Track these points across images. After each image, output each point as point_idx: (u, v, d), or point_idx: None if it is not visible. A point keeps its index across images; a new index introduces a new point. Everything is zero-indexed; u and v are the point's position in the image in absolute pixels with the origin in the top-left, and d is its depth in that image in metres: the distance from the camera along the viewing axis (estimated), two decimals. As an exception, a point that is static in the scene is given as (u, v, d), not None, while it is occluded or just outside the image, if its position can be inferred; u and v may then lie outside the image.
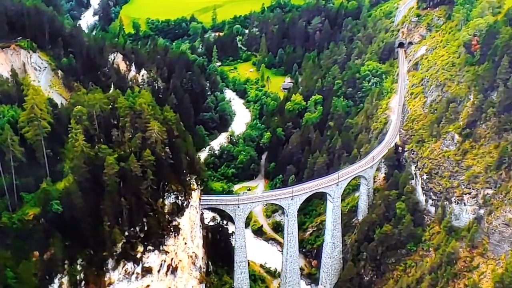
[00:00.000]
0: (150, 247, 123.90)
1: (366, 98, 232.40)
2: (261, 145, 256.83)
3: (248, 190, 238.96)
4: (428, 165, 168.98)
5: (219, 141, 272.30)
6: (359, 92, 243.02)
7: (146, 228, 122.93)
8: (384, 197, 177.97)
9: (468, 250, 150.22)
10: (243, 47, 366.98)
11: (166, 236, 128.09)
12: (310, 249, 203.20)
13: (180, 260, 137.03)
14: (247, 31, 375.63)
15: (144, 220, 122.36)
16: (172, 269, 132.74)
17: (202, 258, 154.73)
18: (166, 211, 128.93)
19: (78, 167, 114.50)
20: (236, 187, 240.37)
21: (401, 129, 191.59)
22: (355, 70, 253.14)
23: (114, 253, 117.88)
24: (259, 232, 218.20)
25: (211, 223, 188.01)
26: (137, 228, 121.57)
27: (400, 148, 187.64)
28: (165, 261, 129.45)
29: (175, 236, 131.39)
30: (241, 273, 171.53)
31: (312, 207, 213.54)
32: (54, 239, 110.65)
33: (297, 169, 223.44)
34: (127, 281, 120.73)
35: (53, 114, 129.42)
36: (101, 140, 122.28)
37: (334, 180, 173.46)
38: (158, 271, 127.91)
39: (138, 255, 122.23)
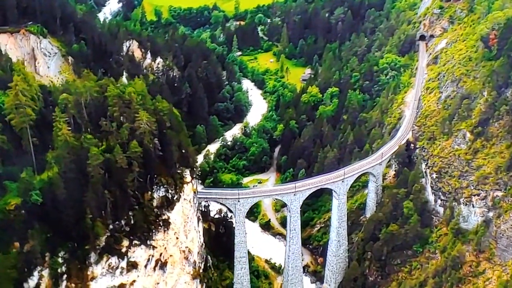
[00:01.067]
0: (136, 242, 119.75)
1: (382, 92, 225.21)
2: (274, 137, 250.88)
3: (258, 183, 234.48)
4: (438, 164, 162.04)
5: (233, 132, 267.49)
6: (375, 86, 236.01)
7: (132, 222, 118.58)
8: (392, 195, 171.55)
9: (474, 255, 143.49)
10: (264, 37, 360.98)
11: (154, 231, 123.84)
12: (317, 246, 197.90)
13: (171, 255, 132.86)
14: (269, 20, 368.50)
15: (130, 213, 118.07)
16: (161, 264, 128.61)
17: (199, 252, 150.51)
18: (154, 204, 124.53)
19: (62, 157, 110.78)
20: (246, 180, 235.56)
21: (414, 125, 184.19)
22: (374, 63, 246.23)
23: (97, 247, 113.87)
24: (266, 226, 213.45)
25: (217, 216, 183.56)
26: (123, 222, 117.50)
27: (412, 145, 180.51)
28: (153, 256, 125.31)
29: (164, 231, 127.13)
30: (241, 268, 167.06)
31: (321, 203, 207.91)
32: (33, 231, 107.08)
33: (308, 163, 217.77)
34: (110, 275, 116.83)
35: (44, 101, 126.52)
36: (89, 129, 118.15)
37: (340, 176, 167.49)
38: (145, 266, 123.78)
39: (123, 250, 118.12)
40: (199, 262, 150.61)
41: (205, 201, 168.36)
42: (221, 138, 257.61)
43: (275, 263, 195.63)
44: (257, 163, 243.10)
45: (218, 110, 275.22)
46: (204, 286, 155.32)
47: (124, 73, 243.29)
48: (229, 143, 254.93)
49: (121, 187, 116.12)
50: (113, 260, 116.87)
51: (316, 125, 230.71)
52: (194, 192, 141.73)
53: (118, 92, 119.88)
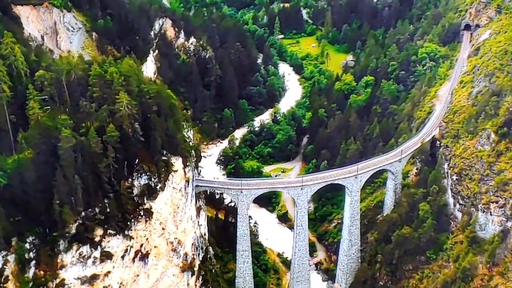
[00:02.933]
0: (111, 231, 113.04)
1: (417, 84, 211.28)
2: (304, 125, 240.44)
3: (282, 172, 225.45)
4: (459, 165, 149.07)
5: (263, 118, 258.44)
6: (411, 76, 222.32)
7: (107, 210, 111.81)
8: (409, 195, 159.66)
9: (487, 267, 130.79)
10: (309, 20, 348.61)
11: (133, 220, 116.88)
12: (332, 243, 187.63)
13: (155, 246, 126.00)
14: (315, 3, 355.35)
15: (106, 201, 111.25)
16: (142, 256, 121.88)
17: (193, 244, 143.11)
18: (135, 193, 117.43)
19: (33, 137, 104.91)
20: (269, 168, 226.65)
21: (442, 121, 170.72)
22: (413, 52, 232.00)
23: (67, 234, 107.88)
24: (284, 218, 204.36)
25: (232, 204, 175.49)
26: (97, 210, 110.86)
27: (438, 143, 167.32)
28: (131, 247, 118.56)
29: (146, 221, 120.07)
30: (244, 262, 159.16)
31: (341, 197, 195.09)
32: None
33: (331, 155, 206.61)
34: (81, 265, 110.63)
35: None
36: (67, 109, 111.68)
37: (352, 172, 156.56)
38: (122, 257, 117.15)
39: (97, 239, 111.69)
40: (193, 254, 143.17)
41: (212, 191, 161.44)
42: (248, 123, 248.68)
43: (287, 257, 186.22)
44: (282, 151, 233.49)
45: (249, 94, 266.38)
46: (200, 279, 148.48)
47: (152, 51, 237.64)
48: (256, 128, 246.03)
49: (95, 173, 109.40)
50: (85, 249, 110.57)
51: (345, 115, 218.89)
52: (187, 181, 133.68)
53: (100, 71, 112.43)
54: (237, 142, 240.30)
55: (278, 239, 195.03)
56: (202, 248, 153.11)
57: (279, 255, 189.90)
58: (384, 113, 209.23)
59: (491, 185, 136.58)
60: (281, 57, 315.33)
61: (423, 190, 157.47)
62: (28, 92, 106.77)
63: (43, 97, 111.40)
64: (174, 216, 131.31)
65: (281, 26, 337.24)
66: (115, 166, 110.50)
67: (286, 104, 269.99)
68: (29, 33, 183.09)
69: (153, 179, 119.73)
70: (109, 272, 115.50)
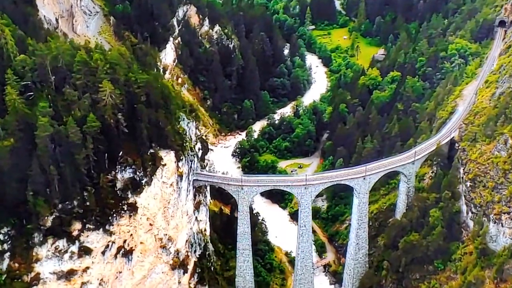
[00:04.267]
0: (90, 226, 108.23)
1: (443, 82, 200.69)
2: (324, 120, 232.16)
3: (299, 167, 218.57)
4: (474, 170, 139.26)
5: (285, 111, 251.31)
6: (438, 74, 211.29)
7: (87, 204, 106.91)
8: (421, 199, 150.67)
9: (494, 283, 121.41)
10: (342, 11, 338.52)
11: (115, 215, 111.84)
12: (341, 245, 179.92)
13: (141, 243, 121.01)
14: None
15: (85, 194, 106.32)
16: (125, 252, 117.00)
17: (187, 240, 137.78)
18: (118, 186, 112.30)
19: (10, 124, 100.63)
20: (285, 163, 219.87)
21: (462, 123, 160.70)
22: (443, 48, 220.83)
23: (42, 227, 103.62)
24: (296, 216, 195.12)
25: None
26: (75, 202, 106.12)
27: (456, 145, 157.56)
28: (113, 242, 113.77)
29: (130, 216, 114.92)
30: (244, 261, 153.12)
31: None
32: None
33: (348, 152, 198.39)
34: (58, 259, 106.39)
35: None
36: (49, 96, 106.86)
37: (360, 173, 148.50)
38: (103, 253, 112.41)
39: (74, 233, 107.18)
40: (187, 251, 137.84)
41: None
42: (269, 115, 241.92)
43: (294, 257, 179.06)
44: (300, 146, 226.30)
45: (272, 86, 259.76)
46: (195, 277, 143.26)
47: (172, 39, 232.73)
48: (276, 121, 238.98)
49: (73, 164, 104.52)
50: (61, 243, 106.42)
51: (365, 111, 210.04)
52: (180, 176, 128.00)
53: (84, 58, 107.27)
54: (255, 135, 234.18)
55: (287, 238, 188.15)
56: (199, 245, 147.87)
57: (286, 254, 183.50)
58: (406, 111, 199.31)
59: (504, 195, 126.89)
60: (310, 49, 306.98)
61: (436, 195, 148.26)
62: (7, 77, 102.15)
63: (26, 82, 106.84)
64: (164, 212, 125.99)
65: (312, 16, 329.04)
66: (94, 158, 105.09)
67: (311, 97, 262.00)
68: (44, 16, 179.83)
69: (138, 173, 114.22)
70: (88, 267, 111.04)
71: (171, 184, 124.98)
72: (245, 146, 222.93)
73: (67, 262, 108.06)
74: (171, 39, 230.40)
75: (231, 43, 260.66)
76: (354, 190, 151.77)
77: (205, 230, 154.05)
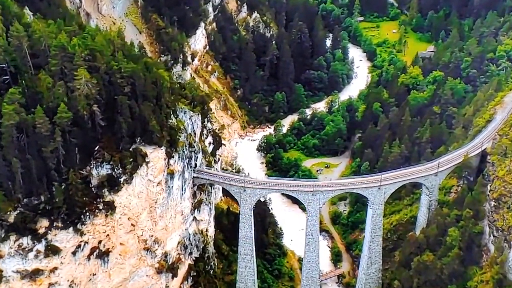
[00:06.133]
0: (58, 224, 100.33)
1: (485, 85, 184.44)
2: (357, 118, 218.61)
3: (326, 167, 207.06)
4: (499, 189, 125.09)
5: (320, 106, 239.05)
6: (482, 76, 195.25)
7: (55, 200, 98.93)
8: (441, 215, 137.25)
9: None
10: (394, 3, 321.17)
11: (88, 214, 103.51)
12: (358, 255, 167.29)
13: (121, 244, 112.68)
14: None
15: (53, 189, 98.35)
16: (100, 253, 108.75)
17: (179, 242, 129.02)
18: (93, 183, 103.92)
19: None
20: (311, 162, 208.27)
21: (496, 133, 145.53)
22: (491, 49, 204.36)
23: (4, 223, 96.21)
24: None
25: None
26: (42, 198, 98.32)
27: (489, 157, 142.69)
28: (86, 242, 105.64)
29: (106, 215, 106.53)
30: (245, 267, 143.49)
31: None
32: None
33: (376, 155, 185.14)
34: (21, 258, 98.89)
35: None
36: (23, 82, 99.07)
37: (375, 182, 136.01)
38: (74, 253, 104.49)
39: (41, 231, 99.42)
40: (178, 254, 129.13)
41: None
42: (300, 110, 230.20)
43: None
44: (330, 144, 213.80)
45: (308, 79, 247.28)
46: (188, 281, 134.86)
47: (203, 24, 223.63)
48: (308, 116, 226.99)
49: (41, 158, 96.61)
50: (25, 240, 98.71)
51: (399, 112, 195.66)
52: (171, 174, 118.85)
53: (62, 42, 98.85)
54: (284, 129, 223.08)
55: (303, 242, 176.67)
56: (197, 247, 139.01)
57: (300, 260, 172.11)
58: (443, 115, 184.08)
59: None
60: (355, 42, 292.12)
61: (458, 212, 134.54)
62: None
63: (1, 65, 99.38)
64: (150, 212, 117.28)
65: (362, 7, 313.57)
66: (63, 152, 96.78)
67: (349, 93, 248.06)
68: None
69: (116, 170, 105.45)
70: (55, 268, 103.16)
71: (158, 183, 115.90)
72: (271, 141, 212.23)
73: (32, 261, 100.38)
74: (202, 24, 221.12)
75: (269, 32, 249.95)
76: (368, 200, 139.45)
77: (206, 230, 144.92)
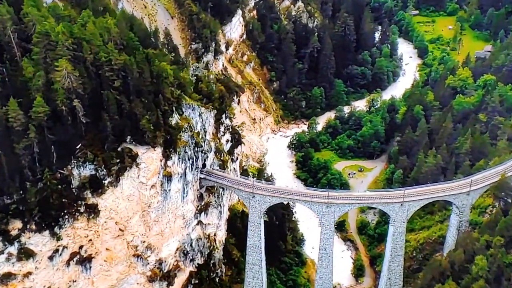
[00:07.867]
0: (32, 226, 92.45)
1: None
2: (397, 121, 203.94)
3: (359, 170, 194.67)
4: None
5: (361, 104, 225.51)
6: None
7: (29, 201, 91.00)
8: (470, 239, 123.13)
9: None
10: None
11: (67, 216, 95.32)
12: (380, 271, 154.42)
13: (107, 249, 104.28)
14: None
15: (27, 189, 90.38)
16: (82, 259, 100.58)
17: (178, 248, 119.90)
18: (74, 184, 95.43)
19: None
20: (344, 164, 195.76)
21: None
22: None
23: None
24: (339, 227, 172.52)
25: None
26: (15, 197, 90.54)
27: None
28: (65, 247, 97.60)
29: (88, 219, 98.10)
30: (253, 277, 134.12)
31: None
32: None
33: (411, 163, 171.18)
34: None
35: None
36: (4, 70, 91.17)
37: (396, 197, 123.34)
38: (50, 258, 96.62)
39: (13, 232, 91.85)
40: (176, 261, 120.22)
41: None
42: (338, 107, 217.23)
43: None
44: (366, 146, 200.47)
45: (350, 74, 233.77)
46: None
47: (240, 11, 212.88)
48: (346, 115, 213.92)
49: (14, 154, 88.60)
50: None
51: (441, 117, 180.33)
52: (168, 176, 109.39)
53: (46, 30, 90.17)
54: (318, 127, 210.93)
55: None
56: (201, 252, 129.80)
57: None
58: (488, 124, 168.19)
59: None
60: (406, 37, 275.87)
61: (489, 238, 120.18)
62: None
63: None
64: (143, 216, 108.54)
65: (417, 0, 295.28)
66: (37, 150, 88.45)
67: (393, 91, 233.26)
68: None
69: (99, 171, 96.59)
70: (29, 273, 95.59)
71: (152, 186, 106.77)
72: (303, 139, 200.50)
73: (4, 264, 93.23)
74: (239, 11, 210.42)
75: (313, 22, 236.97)
76: (390, 216, 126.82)
77: (214, 235, 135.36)
